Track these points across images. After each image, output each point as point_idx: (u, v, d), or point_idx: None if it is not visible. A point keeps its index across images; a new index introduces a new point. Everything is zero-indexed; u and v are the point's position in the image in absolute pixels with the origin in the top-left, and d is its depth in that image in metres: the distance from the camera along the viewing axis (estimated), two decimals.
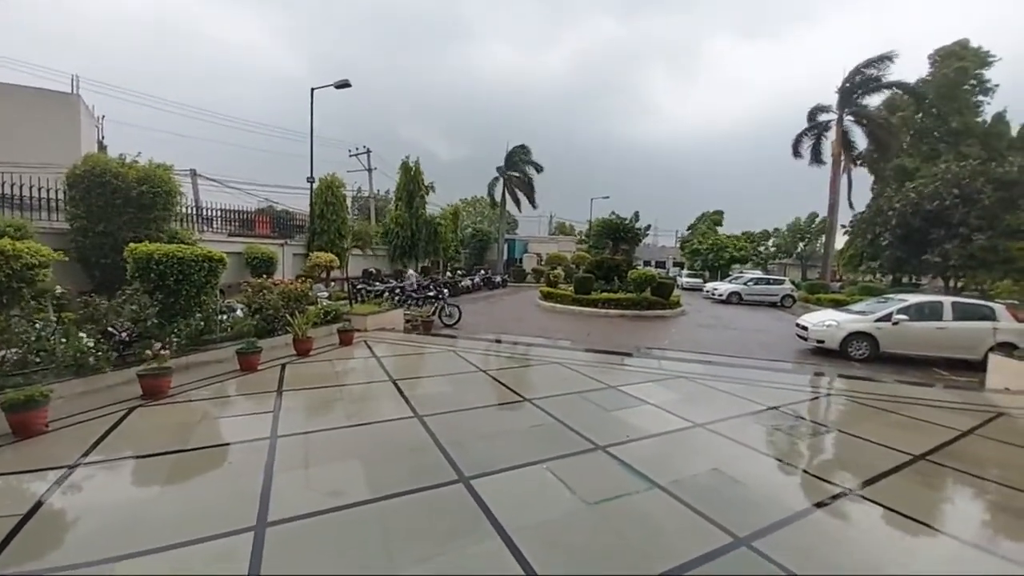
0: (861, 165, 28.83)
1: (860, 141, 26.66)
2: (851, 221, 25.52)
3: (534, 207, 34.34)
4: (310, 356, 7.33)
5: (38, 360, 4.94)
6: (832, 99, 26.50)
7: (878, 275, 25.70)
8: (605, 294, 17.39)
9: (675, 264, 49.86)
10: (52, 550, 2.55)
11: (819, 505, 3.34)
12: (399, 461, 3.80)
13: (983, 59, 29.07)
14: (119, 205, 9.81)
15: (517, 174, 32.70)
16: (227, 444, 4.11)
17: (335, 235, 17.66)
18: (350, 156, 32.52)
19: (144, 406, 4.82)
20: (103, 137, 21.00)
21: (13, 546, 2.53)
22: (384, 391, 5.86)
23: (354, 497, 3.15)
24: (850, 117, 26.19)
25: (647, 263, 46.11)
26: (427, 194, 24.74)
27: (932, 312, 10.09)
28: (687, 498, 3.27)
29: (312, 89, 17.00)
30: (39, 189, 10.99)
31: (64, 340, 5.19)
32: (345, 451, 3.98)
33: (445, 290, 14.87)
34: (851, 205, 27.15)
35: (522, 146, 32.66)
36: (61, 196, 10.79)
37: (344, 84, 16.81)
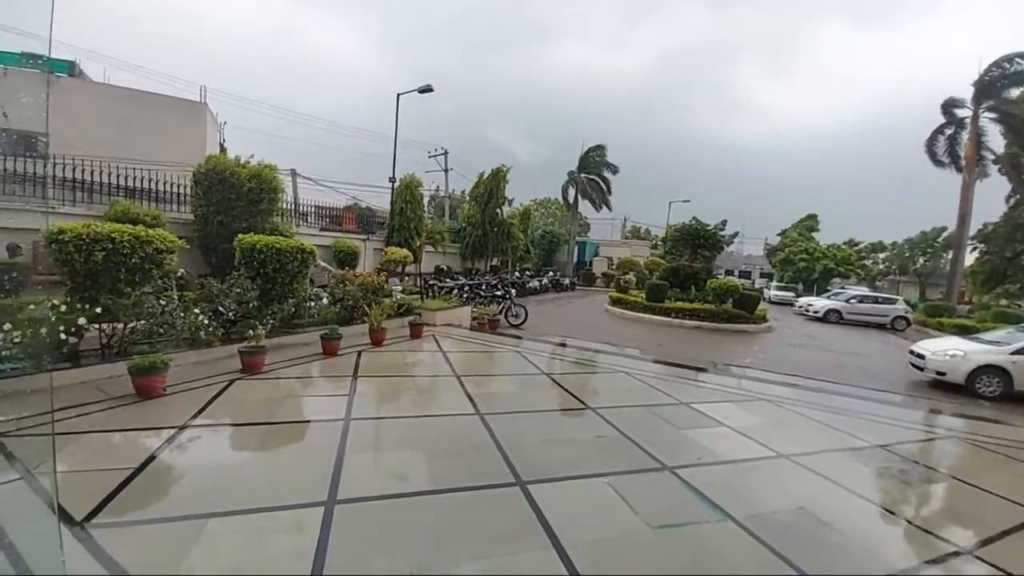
0: (1002, 173, 24.51)
1: (996, 142, 22.67)
2: (980, 232, 21.74)
3: (608, 209, 33.55)
4: (383, 346, 7.73)
5: (161, 331, 5.70)
6: (963, 93, 22.85)
7: (1017, 300, 21.68)
8: (680, 303, 16.46)
9: (762, 275, 46.02)
10: (155, 501, 2.89)
11: (928, 563, 2.85)
12: (460, 457, 3.85)
13: None
14: (233, 199, 11.08)
15: (591, 176, 32.10)
16: (308, 421, 4.45)
17: (412, 232, 18.55)
18: (429, 157, 33.99)
19: (243, 379, 5.37)
20: (224, 140, 23.92)
21: (124, 494, 2.89)
22: (449, 386, 6.00)
23: (416, 486, 3.24)
24: (989, 114, 22.37)
25: (729, 272, 43.02)
26: (507, 204, 25.11)
27: None
28: (765, 536, 2.94)
29: (398, 95, 17.97)
30: (171, 184, 12.77)
31: (183, 315, 5.94)
32: (410, 440, 4.12)
33: (512, 290, 14.98)
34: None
35: (598, 146, 31.93)
36: (188, 191, 12.44)
37: (427, 89, 17.57)
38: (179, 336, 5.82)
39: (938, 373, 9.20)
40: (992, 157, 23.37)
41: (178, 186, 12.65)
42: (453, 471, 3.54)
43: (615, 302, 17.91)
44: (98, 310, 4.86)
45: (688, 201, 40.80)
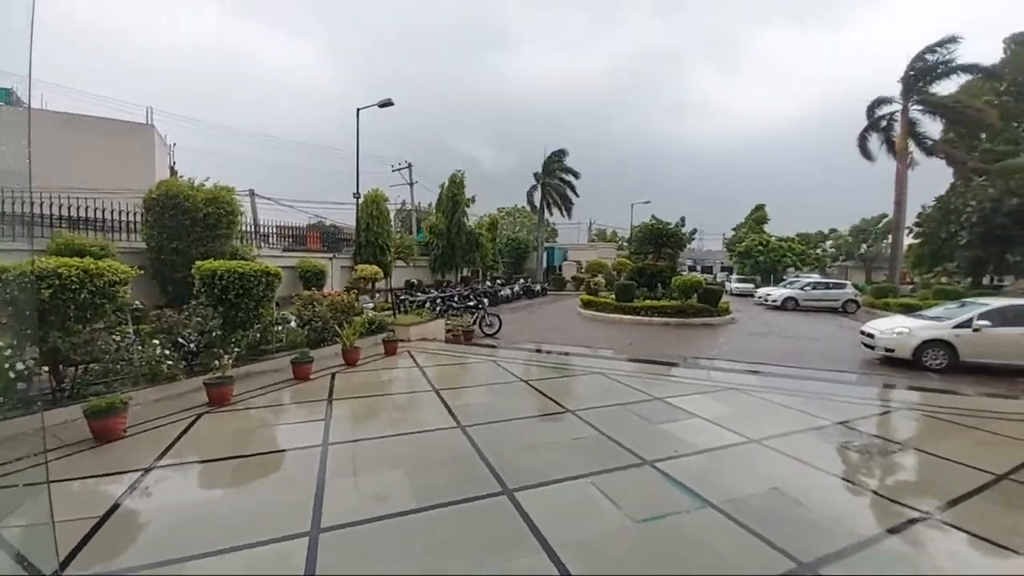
0: (941, 157, 26.42)
1: (931, 131, 24.58)
2: (917, 218, 23.51)
3: (568, 216, 34.10)
4: (357, 366, 7.58)
5: (118, 369, 5.41)
6: (894, 89, 24.72)
7: (954, 277, 23.48)
8: (648, 301, 16.92)
9: (723, 269, 47.87)
10: (125, 550, 2.75)
11: (893, 530, 3.06)
12: (444, 471, 3.84)
13: None
14: (188, 225, 10.66)
15: (555, 181, 32.61)
16: (283, 451, 4.32)
17: (380, 247, 18.33)
18: (393, 171, 33.76)
19: (210, 412, 5.16)
20: (174, 163, 22.94)
21: (91, 545, 2.73)
22: (428, 401, 5.96)
23: (401, 506, 3.21)
24: (918, 107, 24.25)
25: (692, 268, 44.53)
26: (468, 206, 25.18)
27: (1018, 317, 9.08)
28: (743, 519, 3.09)
29: (358, 109, 17.82)
30: (119, 212, 12.14)
31: (141, 349, 5.66)
32: (392, 460, 4.08)
33: (485, 300, 15.00)
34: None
35: (559, 151, 32.31)
36: (138, 218, 11.86)
37: (387, 103, 17.51)
38: (137, 372, 5.54)
39: (887, 350, 9.85)
40: (920, 149, 25.30)
41: (127, 213, 12.06)
42: (438, 486, 3.53)
43: (586, 304, 18.21)
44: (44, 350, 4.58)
45: (648, 202, 42.03)
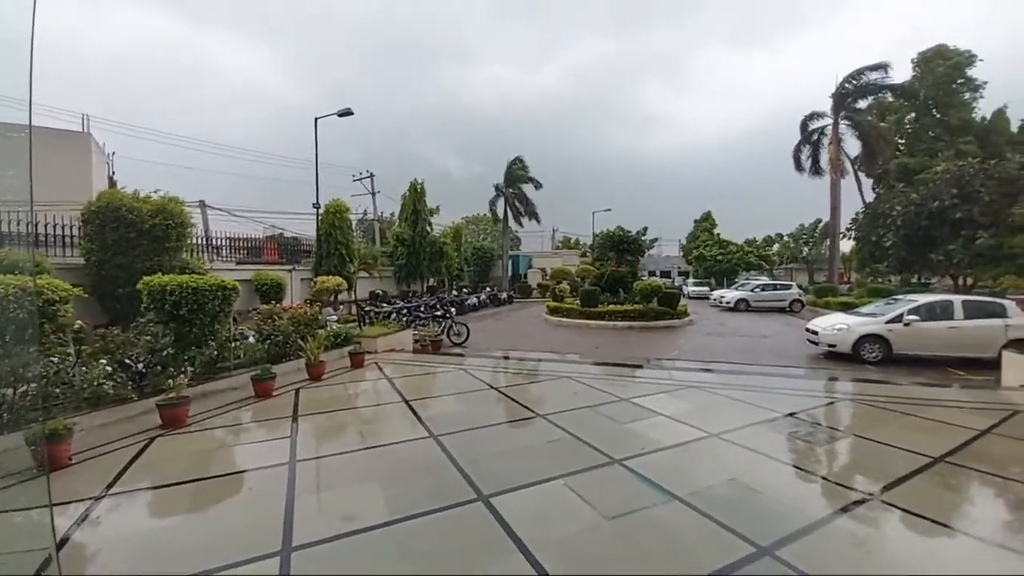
0: (860, 169, 28.97)
1: (855, 145, 26.92)
2: (850, 224, 25.51)
3: (536, 222, 34.55)
4: (323, 380, 7.39)
5: (58, 393, 5.03)
6: (826, 104, 26.90)
7: (887, 276, 25.52)
8: (612, 307, 17.40)
9: (680, 273, 49.75)
10: None
11: (841, 511, 3.33)
12: (418, 482, 3.82)
13: (967, 60, 29.44)
14: (133, 239, 10.05)
15: (515, 190, 32.98)
16: (248, 471, 4.15)
17: (342, 258, 17.89)
18: (354, 181, 33.15)
19: (164, 435, 4.89)
20: (113, 173, 21.53)
21: None
22: (398, 412, 5.89)
23: (376, 519, 3.18)
24: (845, 122, 26.46)
25: (652, 273, 46.01)
26: (431, 215, 25.04)
27: (943, 311, 10.03)
28: (706, 509, 3.27)
29: (316, 118, 17.45)
30: (53, 226, 11.28)
31: (85, 371, 5.29)
32: (364, 474, 4.02)
33: (452, 309, 14.95)
34: (863, 201, 27.11)
35: (518, 159, 32.61)
36: (75, 232, 11.07)
37: (347, 112, 17.24)
38: (80, 396, 5.17)
39: (829, 345, 10.61)
40: (850, 159, 27.57)
41: (62, 227, 11.23)
42: (413, 497, 3.51)
43: (552, 311, 18.49)
44: None
45: (609, 210, 43.06)
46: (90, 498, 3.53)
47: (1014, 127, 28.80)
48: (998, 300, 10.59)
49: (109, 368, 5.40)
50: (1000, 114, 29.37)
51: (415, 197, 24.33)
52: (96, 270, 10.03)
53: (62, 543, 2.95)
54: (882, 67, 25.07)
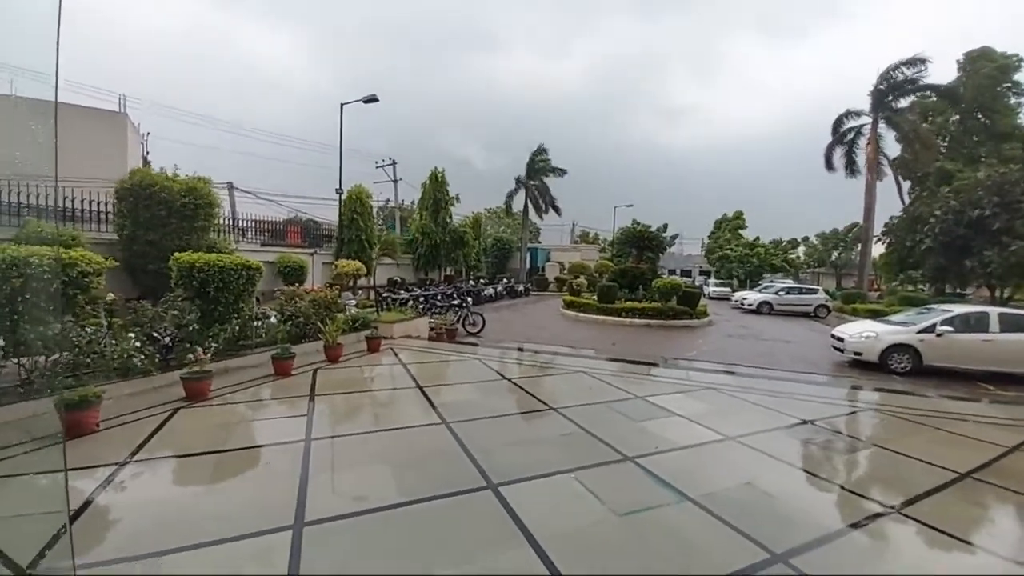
0: (898, 172, 27.81)
1: (893, 146, 25.83)
2: (885, 226, 24.54)
3: (557, 214, 34.28)
4: (340, 362, 7.51)
5: (89, 362, 5.23)
6: (862, 102, 25.83)
7: (919, 285, 24.52)
8: (629, 303, 17.19)
9: (701, 273, 48.85)
10: (100, 545, 2.69)
11: (858, 524, 3.21)
12: (429, 467, 3.85)
13: (1015, 64, 27.80)
14: (164, 216, 10.35)
15: (536, 182, 32.69)
16: (265, 446, 4.25)
17: (363, 244, 18.12)
18: (376, 167, 33.43)
19: (187, 407, 5.04)
20: (147, 152, 22.20)
21: (64, 540, 2.66)
22: (412, 397, 5.95)
23: (386, 500, 3.22)
24: (884, 122, 25.37)
25: (672, 272, 45.29)
26: (452, 204, 25.09)
27: (978, 323, 9.57)
28: (720, 512, 3.20)
29: (341, 104, 17.57)
30: (89, 202, 11.70)
31: (114, 343, 5.48)
32: (376, 455, 4.07)
33: (468, 298, 15.01)
34: (903, 204, 26.07)
35: (540, 149, 32.08)
36: (110, 208, 11.45)
37: (372, 99, 17.32)
38: (109, 366, 5.37)
39: (856, 353, 10.25)
40: (888, 160, 26.47)
41: (98, 203, 11.63)
42: (423, 481, 3.54)
43: (569, 305, 18.38)
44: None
45: (631, 205, 42.61)
46: (115, 464, 3.66)
47: None
48: None
49: (137, 343, 5.58)
50: None
51: (435, 186, 24.40)
52: (128, 245, 10.37)
53: (87, 504, 3.08)
54: (920, 61, 23.90)
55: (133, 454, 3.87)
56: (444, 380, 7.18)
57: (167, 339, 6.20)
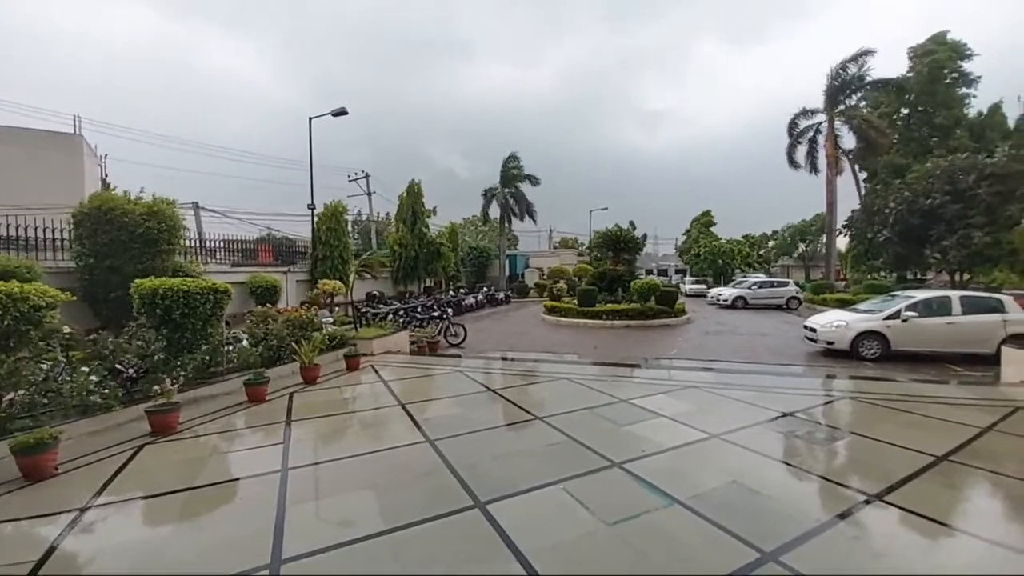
0: (853, 163, 29.00)
1: (850, 140, 26.93)
2: (847, 220, 25.55)
3: (532, 221, 34.45)
4: (317, 383, 7.29)
5: (45, 401, 4.92)
6: (819, 101, 26.90)
7: (882, 273, 25.55)
8: (609, 305, 17.34)
9: (677, 271, 49.78)
10: None
11: (844, 514, 3.26)
12: (413, 488, 3.74)
13: (960, 52, 29.37)
14: (125, 241, 9.92)
15: (511, 189, 32.80)
16: (238, 479, 4.06)
17: (338, 260, 17.78)
18: (349, 181, 33.01)
19: (153, 443, 4.79)
20: (106, 175, 21.35)
21: None
22: (394, 416, 5.80)
23: (369, 528, 3.09)
24: (840, 118, 26.46)
25: (649, 272, 46.01)
26: (429, 216, 24.96)
27: (941, 307, 10.00)
28: (708, 513, 3.20)
29: (310, 119, 17.32)
30: (44, 230, 11.14)
31: (70, 379, 5.18)
32: (358, 480, 3.93)
33: (449, 309, 14.86)
34: (860, 197, 27.10)
35: (513, 155, 32.10)
36: (66, 235, 10.93)
37: (341, 112, 17.12)
38: (68, 404, 5.06)
39: (828, 343, 10.57)
40: (847, 155, 27.61)
41: (54, 230, 11.09)
42: (408, 505, 3.43)
43: (550, 311, 18.41)
44: None
45: (606, 209, 43.27)
46: (76, 508, 3.43)
47: (1011, 122, 28.83)
48: (996, 296, 10.58)
49: (94, 377, 5.28)
50: (996, 109, 29.42)
51: (413, 198, 24.22)
52: (87, 274, 9.90)
53: (49, 552, 2.87)
54: (866, 53, 25.05)
55: (96, 496, 3.64)
56: (427, 395, 7.05)
57: (131, 371, 5.90)
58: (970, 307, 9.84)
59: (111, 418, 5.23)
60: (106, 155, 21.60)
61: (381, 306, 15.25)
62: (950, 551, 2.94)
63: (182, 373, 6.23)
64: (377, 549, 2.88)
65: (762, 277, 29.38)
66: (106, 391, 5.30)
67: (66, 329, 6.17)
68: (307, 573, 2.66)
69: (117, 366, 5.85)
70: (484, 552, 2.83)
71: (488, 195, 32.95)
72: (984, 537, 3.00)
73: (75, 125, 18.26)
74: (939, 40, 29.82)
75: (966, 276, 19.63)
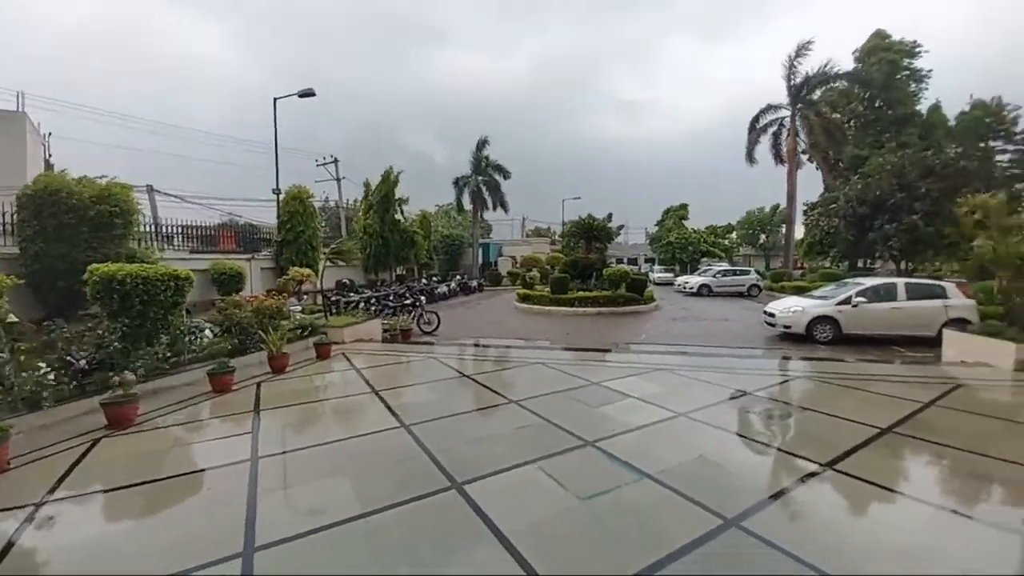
0: (810, 160, 30.29)
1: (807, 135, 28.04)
2: (804, 210, 26.78)
3: (504, 211, 34.38)
4: (286, 372, 7.12)
5: None
6: (782, 97, 27.83)
7: (836, 262, 26.98)
8: (581, 293, 17.61)
9: (646, 260, 50.87)
10: None
11: (801, 481, 3.50)
12: (389, 472, 3.75)
13: (909, 50, 30.97)
14: (74, 225, 9.31)
15: (485, 177, 32.59)
16: (205, 470, 3.94)
17: (305, 246, 17.24)
18: (317, 165, 31.94)
19: (110, 436, 4.58)
20: (50, 155, 19.85)
21: None
22: (367, 403, 5.76)
23: (345, 513, 3.08)
24: (800, 114, 27.48)
25: (619, 260, 46.86)
26: (402, 205, 24.47)
27: (887, 293, 10.67)
28: (676, 485, 3.36)
29: (275, 99, 16.62)
30: None
31: (19, 372, 4.87)
32: (332, 467, 3.90)
33: (422, 297, 14.73)
34: (824, 188, 28.31)
35: (483, 141, 31.89)
36: (10, 219, 10.16)
37: (308, 93, 16.49)
38: (16, 397, 4.77)
39: (785, 327, 11.12)
40: (808, 149, 28.78)
41: None
42: (384, 489, 3.44)
43: (523, 299, 18.53)
44: None
45: (579, 198, 43.58)
46: (31, 504, 3.27)
47: (951, 120, 30.75)
48: (938, 282, 11.37)
49: (42, 365, 4.99)
50: (936, 108, 31.30)
51: (389, 186, 23.63)
52: (34, 260, 9.24)
53: (6, 549, 2.73)
54: (810, 42, 26.15)
55: (51, 491, 3.47)
56: (400, 382, 7.01)
57: (83, 363, 5.59)
58: (915, 293, 10.54)
59: (64, 411, 4.97)
60: (50, 134, 20.06)
61: (352, 294, 14.95)
62: (894, 512, 3.20)
63: (140, 364, 5.94)
64: (353, 533, 2.88)
65: (725, 266, 30.45)
66: (57, 384, 5.02)
67: (11, 318, 5.77)
68: (281, 559, 2.64)
69: (68, 357, 5.53)
70: (462, 530, 2.89)
71: (460, 183, 32.63)
72: (925, 500, 3.29)
73: (18, 102, 16.88)
74: (882, 35, 31.29)
75: (911, 265, 20.99)
